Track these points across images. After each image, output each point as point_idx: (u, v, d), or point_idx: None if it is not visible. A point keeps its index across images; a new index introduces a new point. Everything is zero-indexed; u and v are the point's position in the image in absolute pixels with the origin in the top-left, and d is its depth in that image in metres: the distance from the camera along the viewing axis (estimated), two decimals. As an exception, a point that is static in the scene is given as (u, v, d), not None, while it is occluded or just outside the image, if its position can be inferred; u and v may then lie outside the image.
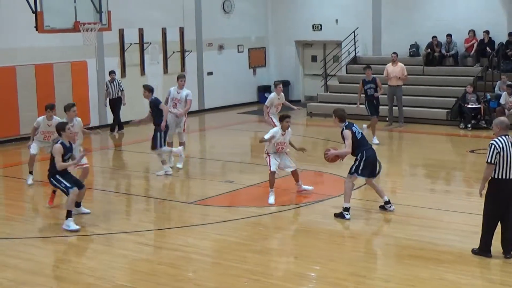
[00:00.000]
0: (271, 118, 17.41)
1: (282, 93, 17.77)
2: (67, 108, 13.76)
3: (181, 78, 16.87)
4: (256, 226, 12.11)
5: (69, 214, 11.82)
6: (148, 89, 15.70)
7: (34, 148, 14.84)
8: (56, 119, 14.76)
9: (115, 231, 11.90)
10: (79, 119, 13.88)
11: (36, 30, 16.59)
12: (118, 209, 13.32)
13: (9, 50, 20.31)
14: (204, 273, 9.96)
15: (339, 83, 26.01)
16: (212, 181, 15.49)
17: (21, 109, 20.15)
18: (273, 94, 17.78)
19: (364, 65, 21.16)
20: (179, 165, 16.27)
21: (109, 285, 9.42)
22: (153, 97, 15.69)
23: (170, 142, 16.43)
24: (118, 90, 21.75)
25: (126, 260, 10.53)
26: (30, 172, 15.10)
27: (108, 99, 21.96)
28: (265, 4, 28.81)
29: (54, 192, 13.24)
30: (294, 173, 13.87)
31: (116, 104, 21.84)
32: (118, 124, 21.97)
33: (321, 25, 27.65)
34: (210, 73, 26.84)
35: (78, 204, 12.55)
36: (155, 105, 15.56)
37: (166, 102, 16.52)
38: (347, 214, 12.12)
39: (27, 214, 13.58)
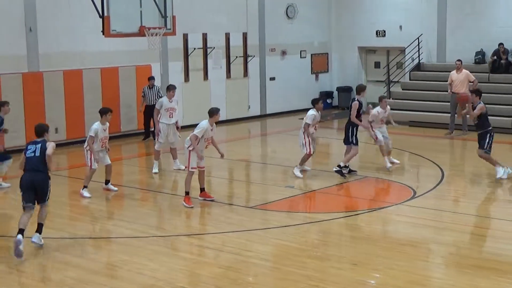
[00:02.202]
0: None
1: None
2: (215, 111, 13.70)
3: (173, 89, 16.72)
4: (316, 232, 12.09)
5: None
6: None
7: (95, 163, 14.49)
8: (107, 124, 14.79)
9: (176, 234, 12.02)
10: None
11: (103, 34, 16.92)
12: (180, 212, 13.46)
13: (76, 54, 20.74)
14: (263, 278, 9.99)
15: (402, 89, 25.78)
16: (273, 186, 15.53)
17: (87, 112, 20.52)
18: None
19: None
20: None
21: (170, 286, 9.52)
22: None
23: (174, 148, 16.88)
24: (157, 97, 20.39)
25: (186, 262, 10.65)
26: (86, 187, 14.64)
27: (144, 105, 21.05)
28: (328, 10, 28.77)
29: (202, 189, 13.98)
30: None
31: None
32: (147, 133, 21.43)
33: (384, 31, 27.47)
34: (272, 78, 26.92)
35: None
36: None
37: (157, 113, 16.56)
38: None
39: (91, 214, 13.82)
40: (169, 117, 16.55)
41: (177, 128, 16.74)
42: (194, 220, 13.26)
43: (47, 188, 11.24)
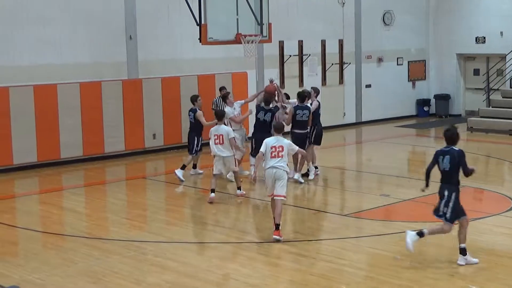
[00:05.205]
0: None
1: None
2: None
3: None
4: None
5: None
6: None
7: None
8: None
9: (270, 240, 12.05)
10: None
11: (200, 42, 17.17)
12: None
13: (174, 61, 21.11)
14: (356, 286, 9.89)
15: (503, 97, 25.15)
16: (367, 194, 15.39)
17: (184, 118, 20.76)
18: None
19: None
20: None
21: (262, 292, 9.57)
22: None
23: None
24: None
25: (279, 269, 10.66)
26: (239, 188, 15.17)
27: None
28: (426, 16, 28.34)
29: None
30: None
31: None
32: None
33: (484, 37, 26.86)
34: (368, 86, 26.70)
35: None
36: None
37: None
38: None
39: (187, 219, 14.02)
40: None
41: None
42: (288, 227, 13.26)
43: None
